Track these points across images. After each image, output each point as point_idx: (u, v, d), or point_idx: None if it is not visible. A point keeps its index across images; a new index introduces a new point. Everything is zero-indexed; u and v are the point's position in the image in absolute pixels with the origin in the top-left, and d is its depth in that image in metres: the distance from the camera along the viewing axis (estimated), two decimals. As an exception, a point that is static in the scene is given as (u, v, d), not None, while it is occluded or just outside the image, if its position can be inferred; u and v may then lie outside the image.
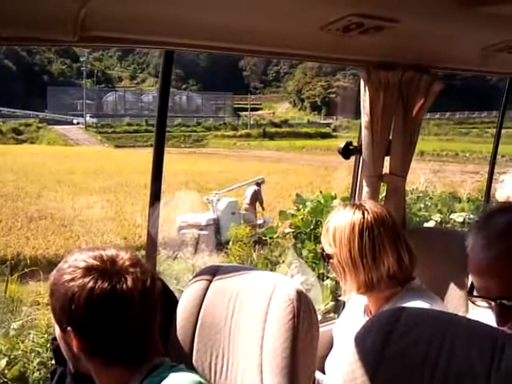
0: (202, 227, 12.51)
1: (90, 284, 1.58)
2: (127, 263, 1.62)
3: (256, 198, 15.20)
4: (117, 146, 40.68)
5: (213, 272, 2.11)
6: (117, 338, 1.61)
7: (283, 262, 8.10)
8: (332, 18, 2.10)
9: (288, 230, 9.20)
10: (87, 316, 1.59)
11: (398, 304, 2.10)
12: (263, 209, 15.46)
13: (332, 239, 2.24)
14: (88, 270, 1.59)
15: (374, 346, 1.59)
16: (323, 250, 2.30)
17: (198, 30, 2.05)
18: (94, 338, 1.62)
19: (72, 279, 1.59)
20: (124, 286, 1.59)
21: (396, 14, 2.13)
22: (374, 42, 2.34)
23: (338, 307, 3.12)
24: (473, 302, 1.64)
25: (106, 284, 1.58)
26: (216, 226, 13.02)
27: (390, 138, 2.78)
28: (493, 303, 1.56)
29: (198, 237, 11.40)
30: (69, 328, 1.61)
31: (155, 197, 2.40)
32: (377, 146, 2.73)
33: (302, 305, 1.77)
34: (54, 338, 1.82)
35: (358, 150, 2.86)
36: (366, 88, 2.68)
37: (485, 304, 1.59)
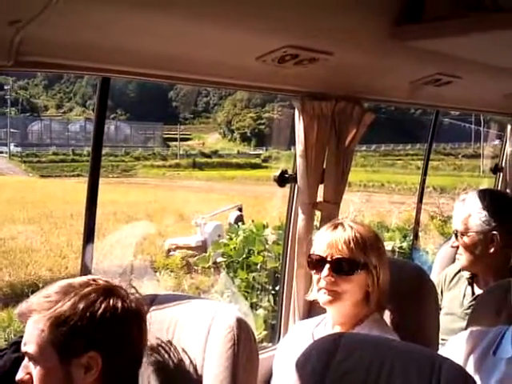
0: (192, 248, 12.85)
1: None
2: None
3: (239, 221, 15.40)
4: (42, 176, 39.60)
5: (149, 301, 2.02)
6: None
7: (215, 291, 8.04)
8: (268, 48, 2.14)
9: (220, 259, 9.14)
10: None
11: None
12: None
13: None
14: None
15: (314, 372, 1.59)
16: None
17: (134, 57, 2.04)
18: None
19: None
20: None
21: (330, 47, 2.20)
22: (309, 73, 2.40)
23: (273, 336, 3.11)
24: None
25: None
26: (204, 247, 13.24)
27: (324, 166, 2.83)
28: None
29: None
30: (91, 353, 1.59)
31: (89, 226, 2.34)
32: (311, 174, 2.77)
33: (243, 333, 1.75)
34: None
35: (293, 178, 2.90)
36: (301, 118, 2.72)
37: None
